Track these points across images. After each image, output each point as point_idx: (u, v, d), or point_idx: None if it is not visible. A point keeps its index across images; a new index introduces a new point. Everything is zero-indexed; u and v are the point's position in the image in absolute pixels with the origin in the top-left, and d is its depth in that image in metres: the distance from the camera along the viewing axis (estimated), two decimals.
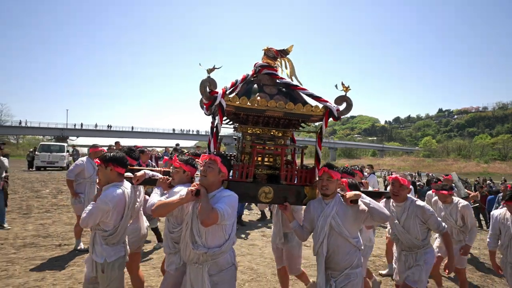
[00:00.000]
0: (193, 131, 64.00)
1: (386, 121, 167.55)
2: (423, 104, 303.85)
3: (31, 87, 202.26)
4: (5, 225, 6.02)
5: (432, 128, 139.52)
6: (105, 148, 5.43)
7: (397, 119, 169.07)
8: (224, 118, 2.73)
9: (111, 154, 2.56)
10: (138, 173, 2.69)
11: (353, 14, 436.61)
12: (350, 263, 2.37)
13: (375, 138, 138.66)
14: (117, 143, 9.55)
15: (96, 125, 54.89)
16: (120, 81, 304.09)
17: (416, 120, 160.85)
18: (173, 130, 62.82)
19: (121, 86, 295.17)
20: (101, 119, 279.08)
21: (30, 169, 19.09)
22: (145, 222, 3.33)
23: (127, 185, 2.61)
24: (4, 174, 6.32)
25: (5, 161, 6.33)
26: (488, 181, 20.69)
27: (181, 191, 2.27)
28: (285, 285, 3.48)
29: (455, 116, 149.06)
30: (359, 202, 2.38)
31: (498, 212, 3.57)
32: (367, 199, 2.43)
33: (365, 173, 7.72)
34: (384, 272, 4.78)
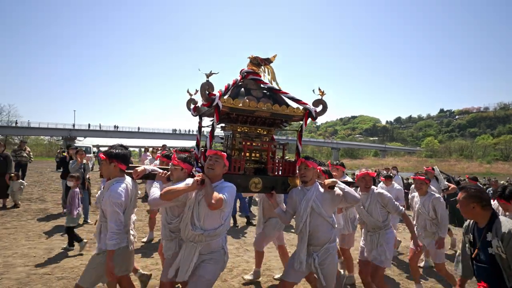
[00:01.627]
0: (193, 131, 64.76)
1: (387, 121, 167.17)
2: (424, 104, 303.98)
3: (33, 87, 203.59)
4: (88, 221, 6.68)
5: (434, 129, 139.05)
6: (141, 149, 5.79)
7: (398, 119, 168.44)
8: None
9: (116, 151, 2.69)
10: (139, 169, 2.94)
11: (354, 14, 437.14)
12: (328, 238, 2.78)
13: (376, 138, 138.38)
14: (164, 145, 10.45)
15: (100, 126, 55.23)
16: (122, 81, 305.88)
17: (418, 120, 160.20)
18: (174, 130, 63.71)
19: (122, 85, 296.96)
20: (104, 119, 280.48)
21: (59, 170, 19.02)
22: (133, 216, 3.62)
23: (128, 180, 2.78)
24: (87, 176, 7.05)
25: (89, 163, 7.12)
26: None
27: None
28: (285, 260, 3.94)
29: (457, 117, 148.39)
30: (335, 188, 2.80)
31: None
32: (342, 185, 2.86)
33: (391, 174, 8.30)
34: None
